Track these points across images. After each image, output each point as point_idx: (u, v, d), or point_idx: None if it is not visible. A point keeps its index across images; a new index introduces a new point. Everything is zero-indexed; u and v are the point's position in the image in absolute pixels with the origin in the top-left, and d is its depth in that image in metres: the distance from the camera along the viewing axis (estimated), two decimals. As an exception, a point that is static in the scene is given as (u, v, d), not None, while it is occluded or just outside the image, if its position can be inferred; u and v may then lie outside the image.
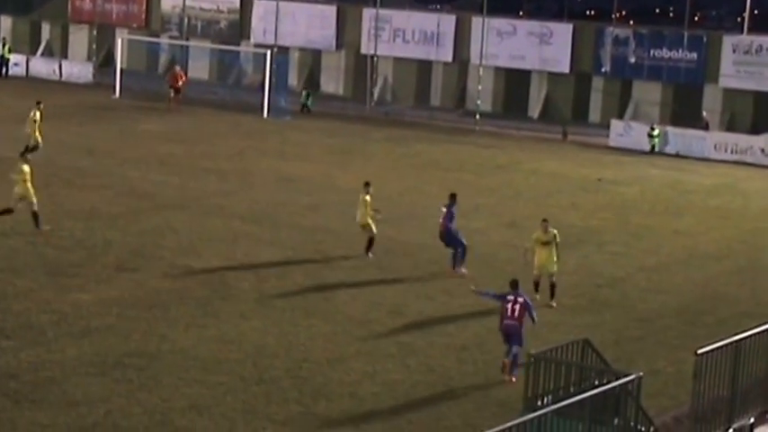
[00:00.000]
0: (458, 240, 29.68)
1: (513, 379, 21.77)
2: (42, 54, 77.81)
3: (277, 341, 23.34)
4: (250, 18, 72.29)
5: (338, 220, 35.15)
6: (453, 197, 30.13)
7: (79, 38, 78.07)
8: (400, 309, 26.22)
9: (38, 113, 42.81)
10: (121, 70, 65.48)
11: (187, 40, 73.34)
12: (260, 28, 71.37)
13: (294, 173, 43.26)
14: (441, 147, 53.25)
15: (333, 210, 36.67)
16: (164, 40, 74.77)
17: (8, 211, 31.13)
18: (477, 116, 61.79)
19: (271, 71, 61.23)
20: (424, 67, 68.14)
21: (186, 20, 73.88)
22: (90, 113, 55.90)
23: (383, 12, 67.11)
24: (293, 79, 68.63)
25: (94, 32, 75.40)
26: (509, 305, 22.28)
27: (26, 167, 31.26)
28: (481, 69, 63.95)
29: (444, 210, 29.83)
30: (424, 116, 63.55)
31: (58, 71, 71.85)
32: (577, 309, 27.46)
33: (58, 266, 27.77)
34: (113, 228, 32.12)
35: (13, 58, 72.05)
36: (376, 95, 67.54)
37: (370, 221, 30.74)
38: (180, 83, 61.28)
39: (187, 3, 73.56)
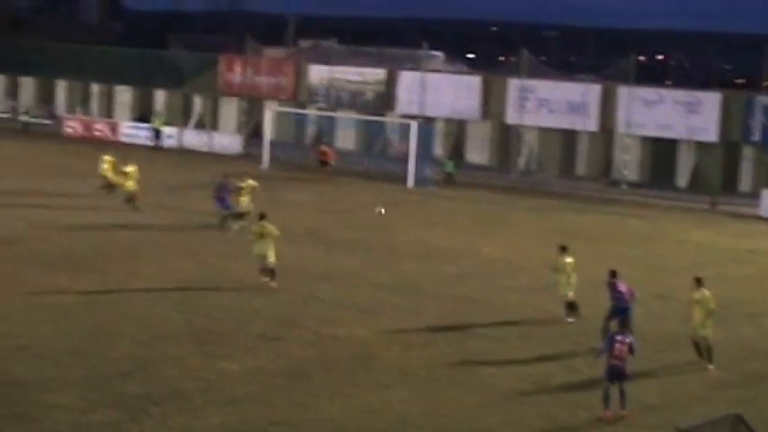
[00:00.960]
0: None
1: (626, 413, 23.10)
2: (194, 126, 79.45)
3: (421, 411, 23.17)
4: (396, 89, 72.90)
5: (483, 289, 35.00)
6: (614, 273, 29.66)
7: (229, 110, 79.61)
8: (545, 380, 25.86)
9: (249, 183, 43.92)
10: (270, 141, 66.52)
11: (334, 111, 74.20)
12: (405, 98, 71.90)
13: (439, 242, 43.23)
14: (586, 216, 52.78)
15: (478, 279, 36.52)
16: (311, 112, 75.76)
17: (267, 272, 33.57)
18: (623, 186, 61.18)
19: (416, 141, 61.50)
20: (569, 136, 67.84)
21: (333, 91, 74.80)
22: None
23: (528, 82, 67.08)
24: (438, 149, 68.84)
25: (244, 105, 76.80)
26: (617, 345, 23.45)
27: (271, 226, 33.84)
28: (627, 139, 63.41)
29: (621, 287, 29.29)
30: (570, 186, 63.15)
31: (208, 143, 73.24)
32: (727, 382, 26.75)
33: (205, 334, 28.07)
34: (260, 296, 32.40)
35: (166, 130, 73.77)
36: (521, 165, 67.38)
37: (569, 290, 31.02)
38: (328, 159, 62.21)
39: (334, 75, 74.54)
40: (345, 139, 72.97)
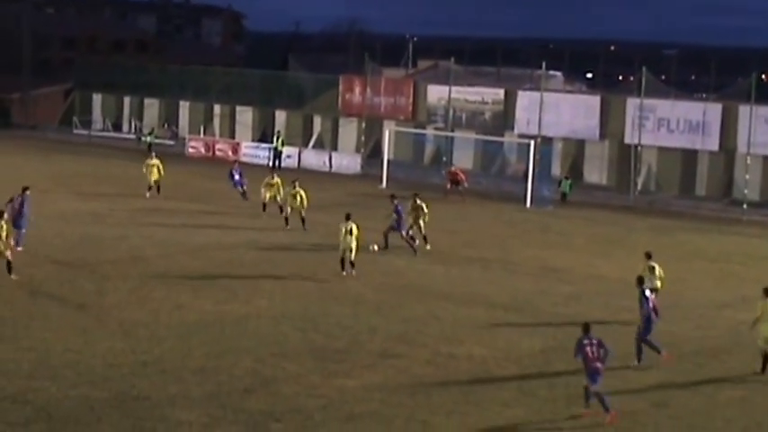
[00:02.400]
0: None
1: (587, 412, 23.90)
2: (314, 146, 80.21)
3: (541, 430, 23.16)
4: (514, 109, 72.86)
5: (601, 309, 34.83)
6: (642, 280, 29.72)
7: (348, 130, 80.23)
8: (664, 400, 25.66)
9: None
10: (388, 161, 66.91)
11: (452, 131, 74.38)
12: (524, 118, 71.80)
13: (556, 262, 43.11)
14: (706, 237, 52.18)
15: (595, 300, 36.35)
16: (429, 132, 76.03)
17: (351, 264, 37.99)
18: (745, 206, 60.36)
19: (534, 161, 61.40)
20: (689, 156, 67.13)
21: (451, 111, 75.01)
22: (357, 203, 57.02)
23: (647, 101, 66.55)
24: (556, 169, 68.60)
25: (363, 125, 77.34)
26: (589, 348, 24.04)
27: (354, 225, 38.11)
28: (749, 158, 62.56)
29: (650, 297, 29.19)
30: (689, 206, 62.48)
31: (328, 162, 73.91)
32: None
33: (325, 352, 28.38)
34: (378, 314, 32.65)
35: (286, 150, 74.55)
36: (640, 185, 66.83)
37: None
38: (459, 180, 62.06)
39: (453, 95, 74.74)
40: (463, 158, 73.01)
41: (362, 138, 77.30)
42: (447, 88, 74.99)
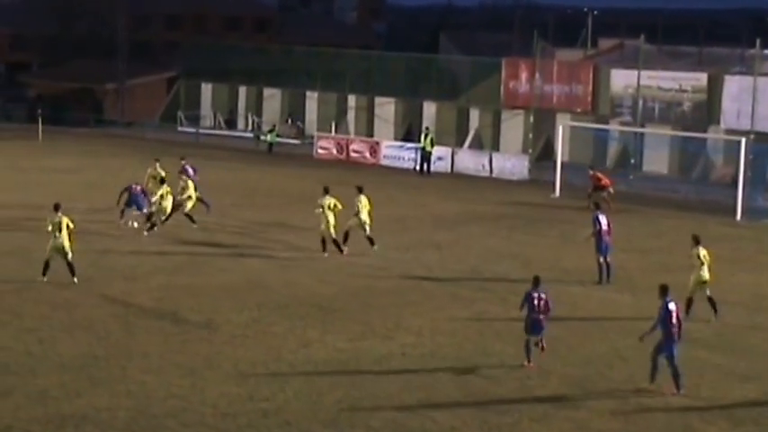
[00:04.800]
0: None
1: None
2: (470, 146, 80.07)
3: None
4: (720, 98, 71.88)
5: (832, 349, 34.17)
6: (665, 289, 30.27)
7: (513, 126, 79.91)
8: None
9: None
10: (562, 164, 66.51)
11: (642, 126, 73.69)
12: (732, 110, 70.76)
13: (774, 289, 42.48)
14: None
15: (825, 337, 35.65)
16: (613, 127, 75.41)
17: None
18: None
19: (746, 163, 60.49)
20: None
21: (641, 102, 74.34)
22: (523, 216, 56.93)
23: None
24: (774, 172, 67.55)
25: (531, 119, 76.99)
26: (535, 301, 30.65)
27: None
28: None
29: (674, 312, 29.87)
30: None
31: (487, 166, 73.76)
32: None
33: (485, 400, 28.28)
34: (552, 355, 32.41)
35: (436, 150, 74.47)
36: None
37: None
38: (603, 185, 60.80)
39: (642, 82, 74.02)
40: (656, 160, 72.35)
41: (530, 135, 77.01)
42: (635, 73, 74.31)
